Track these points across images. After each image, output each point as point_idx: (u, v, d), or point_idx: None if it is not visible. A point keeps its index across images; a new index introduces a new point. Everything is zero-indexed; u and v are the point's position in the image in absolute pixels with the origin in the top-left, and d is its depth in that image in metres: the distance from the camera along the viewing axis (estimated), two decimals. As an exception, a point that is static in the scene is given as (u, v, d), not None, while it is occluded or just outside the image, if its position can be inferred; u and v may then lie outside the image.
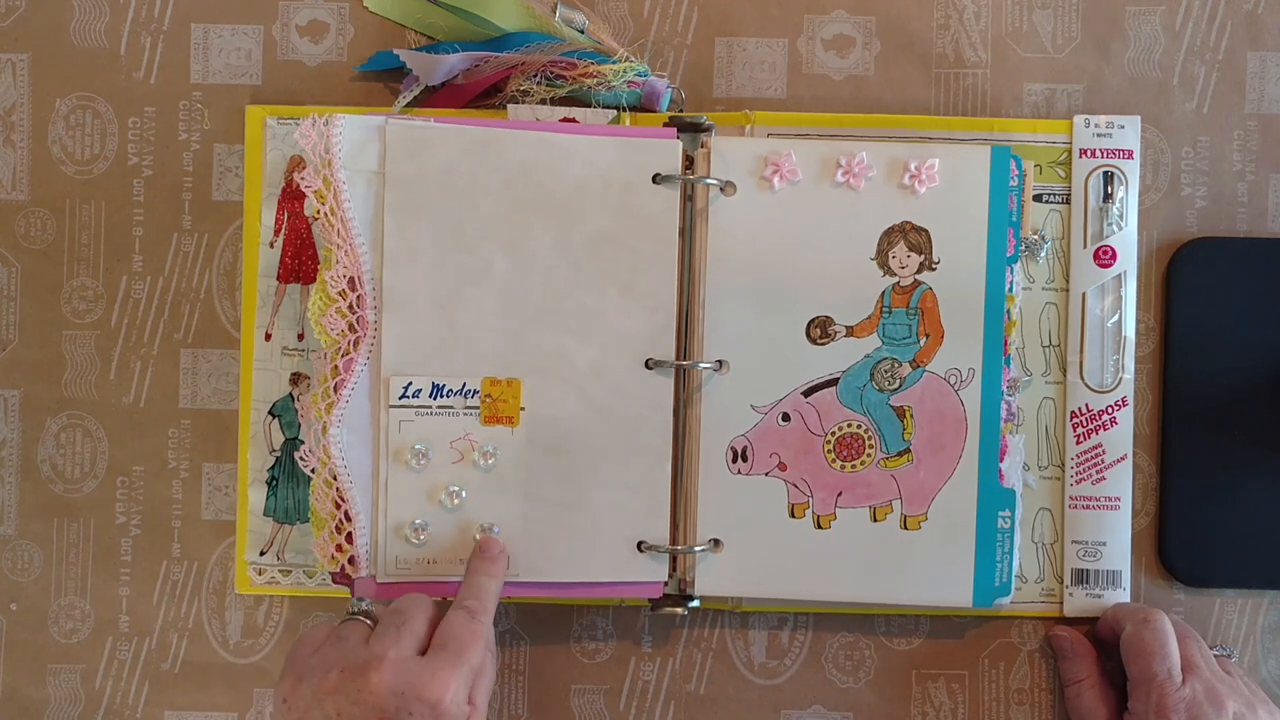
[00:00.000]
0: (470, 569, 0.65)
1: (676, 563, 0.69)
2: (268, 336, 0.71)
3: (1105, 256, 0.71)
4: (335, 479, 0.67)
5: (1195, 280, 0.71)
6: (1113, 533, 0.71)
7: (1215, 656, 0.68)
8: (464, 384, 0.67)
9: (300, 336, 0.71)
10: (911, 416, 0.69)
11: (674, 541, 0.69)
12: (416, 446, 0.67)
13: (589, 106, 0.70)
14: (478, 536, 0.67)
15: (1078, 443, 0.71)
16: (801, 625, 0.72)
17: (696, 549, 0.69)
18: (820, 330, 0.69)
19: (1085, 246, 0.71)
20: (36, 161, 0.73)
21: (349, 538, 0.67)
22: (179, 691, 0.72)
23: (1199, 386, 0.71)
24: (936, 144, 0.70)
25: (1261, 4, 0.72)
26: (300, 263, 0.71)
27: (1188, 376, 0.71)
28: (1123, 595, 0.71)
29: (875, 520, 0.69)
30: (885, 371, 0.69)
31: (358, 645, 0.60)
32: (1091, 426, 0.71)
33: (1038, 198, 0.71)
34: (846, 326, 0.69)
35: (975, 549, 0.69)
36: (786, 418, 0.69)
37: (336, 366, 0.67)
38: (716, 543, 0.69)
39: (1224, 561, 0.71)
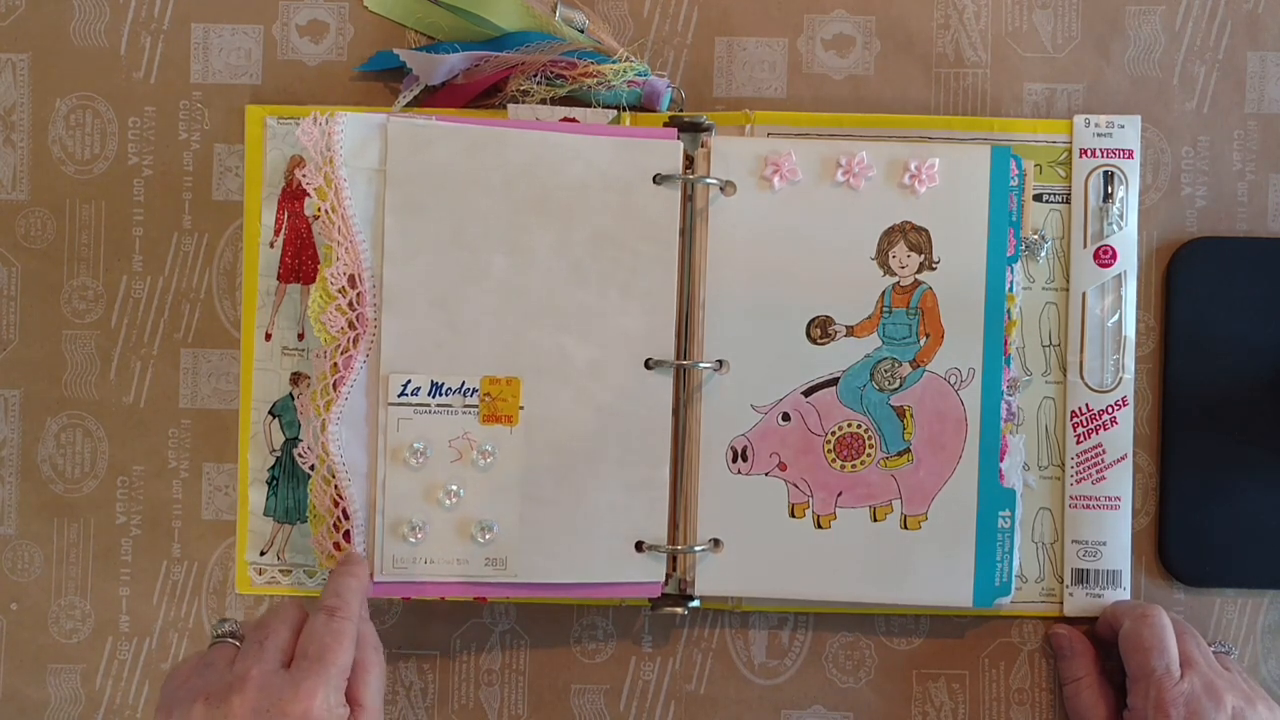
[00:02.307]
0: (331, 574, 0.65)
1: (676, 563, 0.69)
2: (268, 336, 0.71)
3: (1105, 256, 0.71)
4: (334, 476, 0.67)
5: (1195, 280, 0.71)
6: (1113, 532, 0.71)
7: (1214, 653, 0.68)
8: (463, 382, 0.67)
9: (300, 336, 0.71)
10: (911, 416, 0.69)
11: (674, 541, 0.69)
12: (415, 445, 0.67)
13: (589, 106, 0.70)
14: (476, 536, 0.67)
15: (1078, 442, 0.71)
16: (801, 625, 0.72)
17: (696, 549, 0.68)
18: (820, 330, 0.69)
19: (1085, 246, 0.71)
20: (36, 161, 0.73)
21: (346, 535, 0.67)
22: (179, 691, 0.72)
23: (1199, 386, 0.71)
24: (936, 144, 0.70)
25: (1261, 4, 0.72)
26: (300, 262, 0.71)
27: (1188, 376, 0.71)
28: (1123, 595, 0.71)
29: (875, 520, 0.69)
30: (885, 371, 0.69)
31: (223, 669, 0.58)
32: (1091, 426, 0.71)
33: (1038, 197, 0.71)
34: (846, 326, 0.69)
35: (975, 549, 0.69)
36: (786, 417, 0.69)
37: (336, 364, 0.67)
38: (716, 542, 0.69)
39: (1224, 561, 0.71)
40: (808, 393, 0.69)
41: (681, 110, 0.72)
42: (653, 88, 0.71)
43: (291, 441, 0.71)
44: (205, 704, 0.56)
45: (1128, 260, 0.71)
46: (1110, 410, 0.71)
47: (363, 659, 0.60)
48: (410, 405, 0.67)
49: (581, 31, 0.71)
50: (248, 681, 0.56)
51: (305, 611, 0.62)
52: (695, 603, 0.70)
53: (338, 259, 0.67)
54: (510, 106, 0.70)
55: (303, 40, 0.73)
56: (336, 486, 0.67)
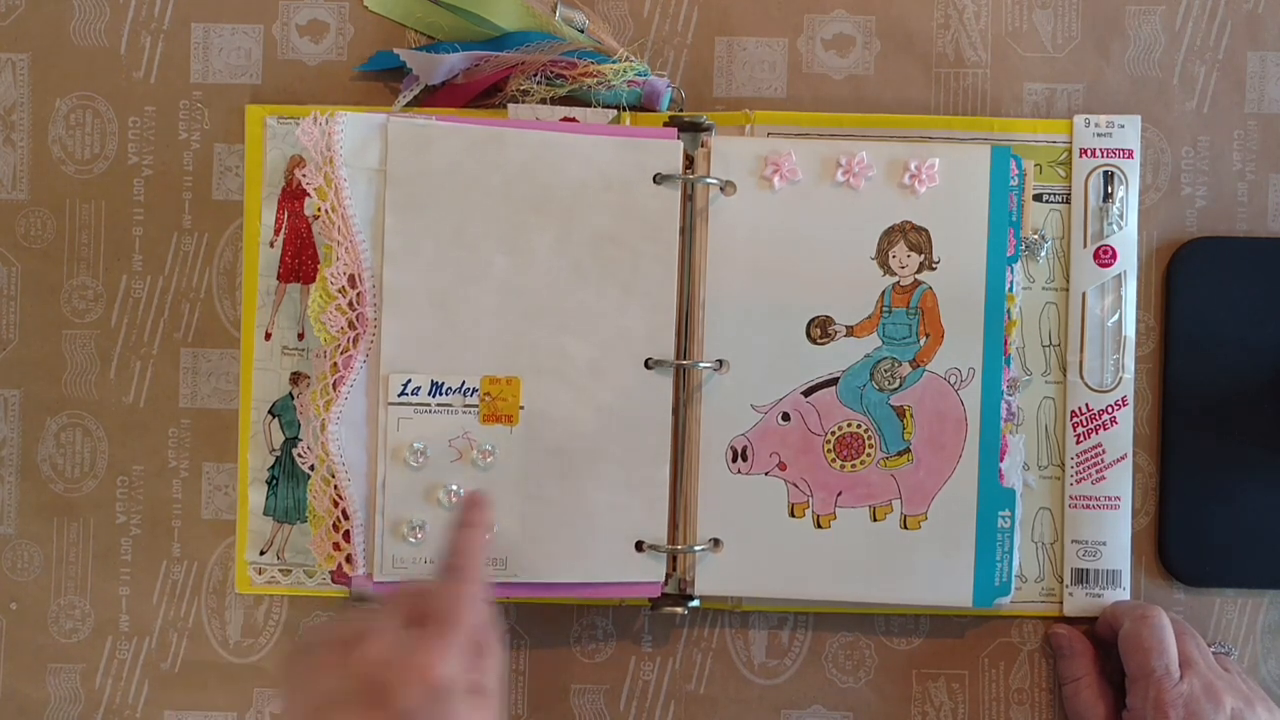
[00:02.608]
0: (454, 526, 0.61)
1: (676, 562, 0.69)
2: (268, 336, 0.71)
3: (1105, 256, 0.71)
4: (334, 476, 0.67)
5: (1195, 280, 0.71)
6: (1113, 532, 0.71)
7: (1214, 654, 0.68)
8: (463, 382, 0.67)
9: (300, 336, 0.71)
10: (911, 416, 0.69)
11: (673, 541, 0.69)
12: (415, 445, 0.67)
13: (589, 106, 0.70)
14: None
15: (1078, 442, 0.71)
16: (801, 625, 0.72)
17: (696, 549, 0.68)
18: (820, 330, 0.69)
19: (1085, 246, 0.71)
20: (36, 161, 0.73)
21: (346, 536, 0.67)
22: (179, 691, 0.72)
23: (1199, 386, 0.71)
24: (936, 144, 0.70)
25: (1261, 4, 0.72)
26: (300, 262, 0.71)
27: (1188, 376, 0.71)
28: (1123, 595, 0.71)
29: (875, 520, 0.69)
30: (885, 371, 0.69)
31: (355, 622, 0.56)
32: (1091, 426, 0.71)
33: (1038, 197, 0.71)
34: (846, 326, 0.69)
35: (975, 549, 0.69)
36: (786, 417, 0.69)
37: (336, 364, 0.67)
38: (716, 542, 0.69)
39: (1224, 561, 0.71)
40: (807, 393, 0.69)
41: (681, 110, 0.72)
42: (653, 88, 0.71)
43: (291, 441, 0.71)
44: (335, 649, 0.54)
45: (1128, 260, 0.71)
46: (1110, 410, 0.71)
47: (484, 636, 0.57)
48: (410, 405, 0.67)
49: (581, 31, 0.71)
50: (376, 631, 0.55)
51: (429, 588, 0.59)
52: (695, 603, 0.70)
53: (338, 259, 0.67)
54: (510, 106, 0.70)
55: (303, 40, 0.73)
56: (336, 486, 0.67)
